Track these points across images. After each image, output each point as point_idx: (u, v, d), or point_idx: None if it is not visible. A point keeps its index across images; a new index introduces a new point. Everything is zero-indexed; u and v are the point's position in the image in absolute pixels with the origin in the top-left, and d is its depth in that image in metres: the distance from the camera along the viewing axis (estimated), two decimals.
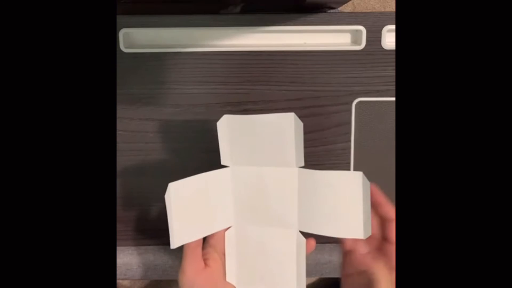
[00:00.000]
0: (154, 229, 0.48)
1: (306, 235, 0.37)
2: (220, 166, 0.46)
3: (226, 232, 0.38)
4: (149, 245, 0.48)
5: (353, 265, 0.37)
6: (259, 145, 0.36)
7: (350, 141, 0.46)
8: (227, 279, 0.37)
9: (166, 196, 0.33)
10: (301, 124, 0.36)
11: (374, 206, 0.36)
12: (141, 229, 0.48)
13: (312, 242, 0.38)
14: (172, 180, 0.46)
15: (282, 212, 0.37)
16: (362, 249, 0.37)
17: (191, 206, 0.35)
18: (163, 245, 0.48)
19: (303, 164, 0.36)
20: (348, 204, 0.34)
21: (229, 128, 0.36)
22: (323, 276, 0.48)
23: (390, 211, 0.36)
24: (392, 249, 0.35)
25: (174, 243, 0.33)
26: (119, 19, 0.43)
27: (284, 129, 0.34)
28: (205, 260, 0.36)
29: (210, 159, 0.46)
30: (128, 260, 0.48)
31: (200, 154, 0.46)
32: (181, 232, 0.34)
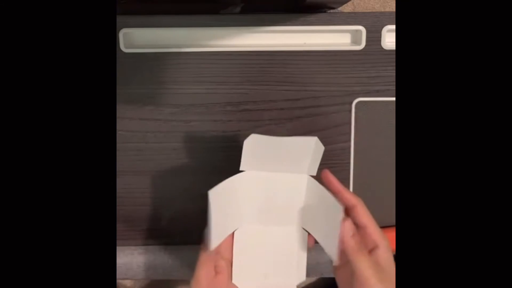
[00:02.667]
0: (154, 229, 0.48)
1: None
2: (219, 166, 0.47)
3: (235, 233, 0.39)
4: (149, 245, 0.48)
5: (341, 257, 0.36)
6: (279, 156, 0.38)
7: (350, 141, 0.46)
8: (233, 281, 0.38)
9: (208, 203, 0.34)
10: (322, 147, 0.38)
11: (334, 195, 0.36)
12: (141, 229, 0.48)
13: (312, 239, 0.39)
14: (171, 180, 0.46)
15: (288, 212, 0.39)
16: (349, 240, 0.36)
17: (223, 208, 0.37)
18: (163, 245, 0.48)
19: (315, 174, 0.38)
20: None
21: (254, 145, 0.37)
22: (323, 276, 0.48)
23: (351, 197, 0.36)
24: (364, 232, 0.35)
25: (213, 245, 0.35)
26: (119, 19, 0.43)
27: (304, 146, 0.37)
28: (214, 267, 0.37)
29: (210, 159, 0.47)
30: (128, 260, 0.48)
31: (200, 154, 0.46)
32: (217, 234, 0.36)
